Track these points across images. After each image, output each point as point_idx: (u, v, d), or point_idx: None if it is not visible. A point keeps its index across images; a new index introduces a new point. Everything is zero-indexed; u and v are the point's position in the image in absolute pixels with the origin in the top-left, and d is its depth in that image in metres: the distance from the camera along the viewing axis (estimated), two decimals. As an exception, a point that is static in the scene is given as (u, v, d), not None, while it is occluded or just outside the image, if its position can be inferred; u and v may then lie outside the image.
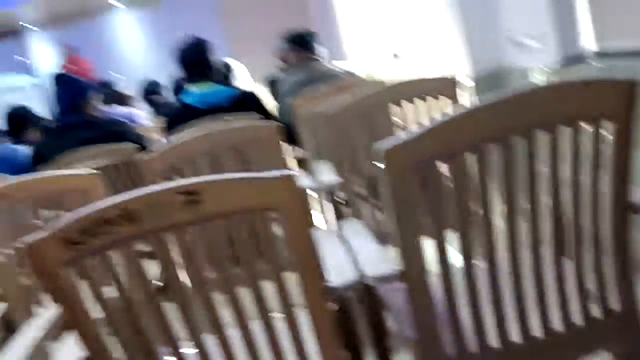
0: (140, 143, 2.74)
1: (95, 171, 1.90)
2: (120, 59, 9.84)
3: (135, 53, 10.11)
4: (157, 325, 1.01)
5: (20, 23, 9.55)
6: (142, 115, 4.14)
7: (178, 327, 1.02)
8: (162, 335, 1.02)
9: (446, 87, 1.75)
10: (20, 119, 3.47)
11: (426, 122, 1.74)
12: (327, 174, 2.06)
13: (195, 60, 2.68)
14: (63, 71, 7.99)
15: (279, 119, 2.93)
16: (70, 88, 2.74)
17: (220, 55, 2.84)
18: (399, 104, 1.82)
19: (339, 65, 3.33)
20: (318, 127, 2.66)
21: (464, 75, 2.85)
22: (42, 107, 9.19)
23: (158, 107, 4.81)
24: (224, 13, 9.99)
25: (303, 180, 2.15)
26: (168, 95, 5.30)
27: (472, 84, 2.75)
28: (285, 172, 0.96)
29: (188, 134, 2.01)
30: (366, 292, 1.31)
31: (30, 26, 9.77)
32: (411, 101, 1.84)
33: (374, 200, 1.91)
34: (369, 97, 1.88)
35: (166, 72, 9.29)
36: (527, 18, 2.59)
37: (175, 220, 0.94)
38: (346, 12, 6.32)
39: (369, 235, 1.29)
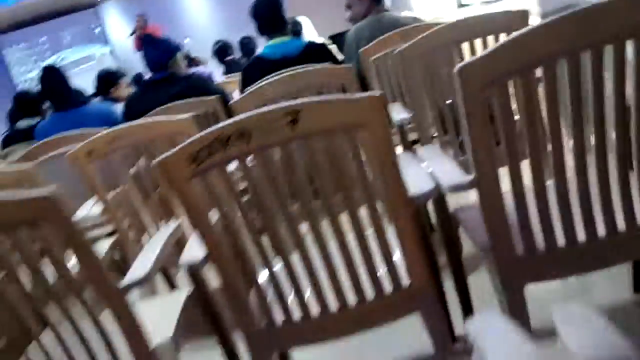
0: (222, 94, 2.96)
1: (187, 116, 2.13)
2: (188, 25, 10.16)
3: (202, 18, 10.40)
4: (266, 231, 1.20)
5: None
6: (214, 74, 4.37)
7: (286, 235, 1.21)
8: (271, 239, 1.21)
9: (518, 20, 1.81)
10: (107, 77, 3.80)
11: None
12: (398, 112, 2.18)
13: (269, 15, 2.84)
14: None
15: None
16: (156, 47, 2.97)
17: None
18: (469, 40, 1.91)
19: (406, 14, 3.38)
20: (388, 68, 2.77)
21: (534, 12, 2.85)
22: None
23: (229, 66, 5.03)
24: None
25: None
26: (237, 54, 5.51)
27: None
28: (374, 92, 1.10)
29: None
30: (440, 207, 1.44)
31: (102, -2, 10.27)
32: (482, 37, 1.92)
33: (445, 137, 2.03)
34: (438, 32, 1.97)
35: (233, 33, 9.55)
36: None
37: (279, 137, 1.11)
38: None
39: (444, 155, 1.42)
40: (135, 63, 9.67)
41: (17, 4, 8.76)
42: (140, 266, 1.33)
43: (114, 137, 2.06)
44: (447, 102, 1.96)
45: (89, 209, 2.31)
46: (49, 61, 10.37)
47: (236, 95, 3.79)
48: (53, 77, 3.06)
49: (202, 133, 1.12)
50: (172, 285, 2.33)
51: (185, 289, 1.55)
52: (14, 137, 3.73)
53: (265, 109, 1.10)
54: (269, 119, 1.10)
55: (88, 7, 10.14)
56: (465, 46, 1.93)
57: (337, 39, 9.43)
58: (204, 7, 10.44)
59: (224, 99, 2.95)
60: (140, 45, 9.14)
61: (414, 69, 1.94)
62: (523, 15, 1.82)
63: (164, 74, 2.93)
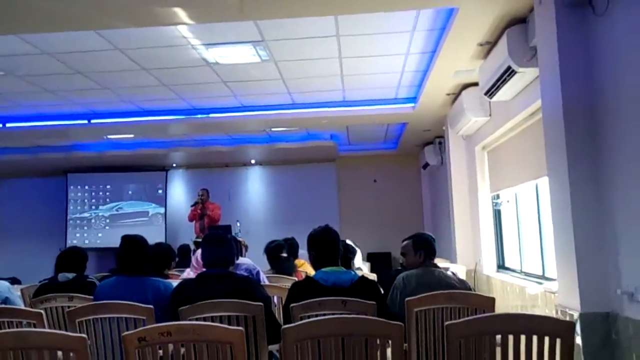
0: (266, 304, 3.11)
1: (241, 328, 2.27)
2: (240, 206, 10.83)
3: (253, 202, 11.11)
4: None
5: (171, 163, 11.00)
6: (262, 273, 4.58)
7: None
8: None
9: (564, 330, 1.96)
10: (164, 256, 4.06)
11: None
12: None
13: (328, 249, 3.11)
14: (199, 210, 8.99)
15: (389, 308, 3.23)
16: (222, 247, 3.23)
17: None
18: (514, 335, 2.05)
19: (454, 272, 3.61)
20: (428, 324, 2.94)
21: (570, 308, 3.03)
22: (160, 232, 10.32)
23: (276, 261, 5.28)
24: (340, 183, 10.93)
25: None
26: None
27: (578, 320, 2.91)
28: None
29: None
30: None
31: (174, 165, 11.17)
32: (528, 335, 2.05)
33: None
34: (480, 320, 2.15)
35: (280, 225, 10.03)
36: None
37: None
38: (460, 215, 6.73)
39: None
40: (180, 229, 10.17)
41: (102, 152, 9.64)
42: None
43: (168, 330, 2.20)
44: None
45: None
46: (104, 208, 11.01)
47: (276, 299, 3.97)
48: (135, 246, 3.35)
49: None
50: None
51: None
52: (52, 287, 3.84)
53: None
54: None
55: (160, 170, 11.03)
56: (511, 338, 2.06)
57: (373, 257, 9.85)
58: (259, 192, 11.19)
59: (267, 306, 3.10)
60: (195, 217, 9.55)
61: (457, 346, 2.07)
62: (569, 326, 1.98)
63: (219, 271, 3.13)
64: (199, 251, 5.04)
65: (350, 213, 10.59)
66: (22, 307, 3.53)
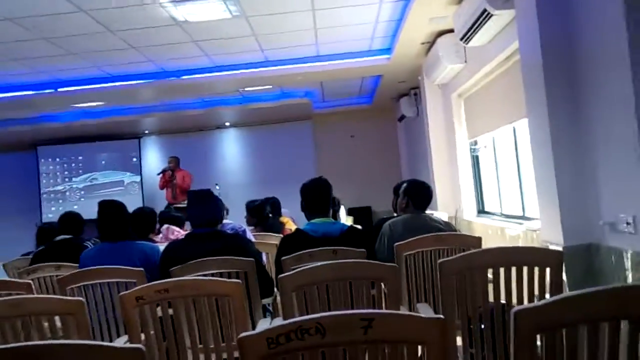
0: (257, 259, 3.13)
1: (238, 280, 2.28)
2: (219, 171, 10.75)
3: (232, 164, 11.03)
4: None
5: (143, 130, 10.78)
6: (248, 230, 4.59)
7: None
8: None
9: (552, 259, 2.03)
10: (148, 220, 4.04)
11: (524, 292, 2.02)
12: (426, 313, 2.32)
13: (317, 199, 3.13)
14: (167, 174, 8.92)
15: (378, 255, 3.28)
16: (206, 205, 3.19)
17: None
18: (506, 266, 2.11)
19: (439, 216, 3.66)
20: (417, 267, 3.00)
21: (554, 242, 3.12)
22: (137, 201, 10.19)
23: (264, 222, 5.29)
24: (317, 141, 10.91)
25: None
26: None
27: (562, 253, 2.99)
28: (438, 316, 1.26)
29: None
30: None
31: (147, 132, 10.97)
32: (511, 267, 2.12)
33: (471, 349, 2.15)
34: (472, 255, 2.20)
35: (259, 186, 9.97)
36: (623, 202, 2.79)
37: (352, 338, 1.25)
38: (439, 164, 6.79)
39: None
40: (157, 197, 10.04)
41: (71, 122, 9.41)
42: None
43: (164, 288, 2.20)
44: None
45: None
46: (77, 180, 10.82)
47: (264, 257, 4.00)
48: (114, 210, 3.28)
49: (284, 322, 1.27)
50: None
51: None
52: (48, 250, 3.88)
53: (343, 312, 1.26)
54: (345, 321, 1.25)
55: (132, 138, 10.85)
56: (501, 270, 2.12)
57: (354, 212, 9.92)
58: (235, 154, 11.11)
59: (258, 261, 3.12)
60: (165, 184, 9.42)
61: (451, 282, 2.12)
62: (558, 255, 2.04)
63: (210, 230, 3.12)
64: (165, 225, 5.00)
65: (328, 170, 10.57)
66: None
